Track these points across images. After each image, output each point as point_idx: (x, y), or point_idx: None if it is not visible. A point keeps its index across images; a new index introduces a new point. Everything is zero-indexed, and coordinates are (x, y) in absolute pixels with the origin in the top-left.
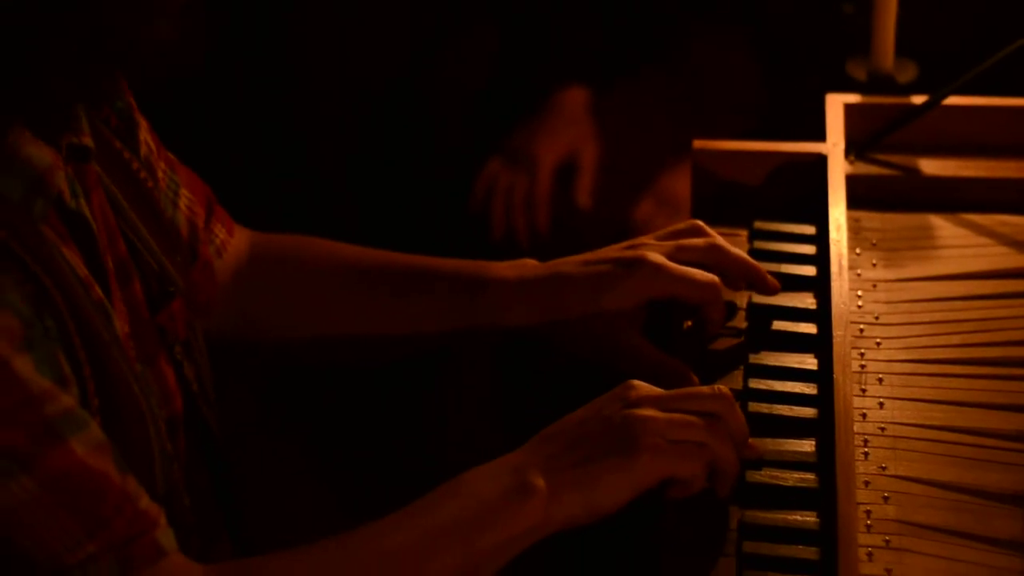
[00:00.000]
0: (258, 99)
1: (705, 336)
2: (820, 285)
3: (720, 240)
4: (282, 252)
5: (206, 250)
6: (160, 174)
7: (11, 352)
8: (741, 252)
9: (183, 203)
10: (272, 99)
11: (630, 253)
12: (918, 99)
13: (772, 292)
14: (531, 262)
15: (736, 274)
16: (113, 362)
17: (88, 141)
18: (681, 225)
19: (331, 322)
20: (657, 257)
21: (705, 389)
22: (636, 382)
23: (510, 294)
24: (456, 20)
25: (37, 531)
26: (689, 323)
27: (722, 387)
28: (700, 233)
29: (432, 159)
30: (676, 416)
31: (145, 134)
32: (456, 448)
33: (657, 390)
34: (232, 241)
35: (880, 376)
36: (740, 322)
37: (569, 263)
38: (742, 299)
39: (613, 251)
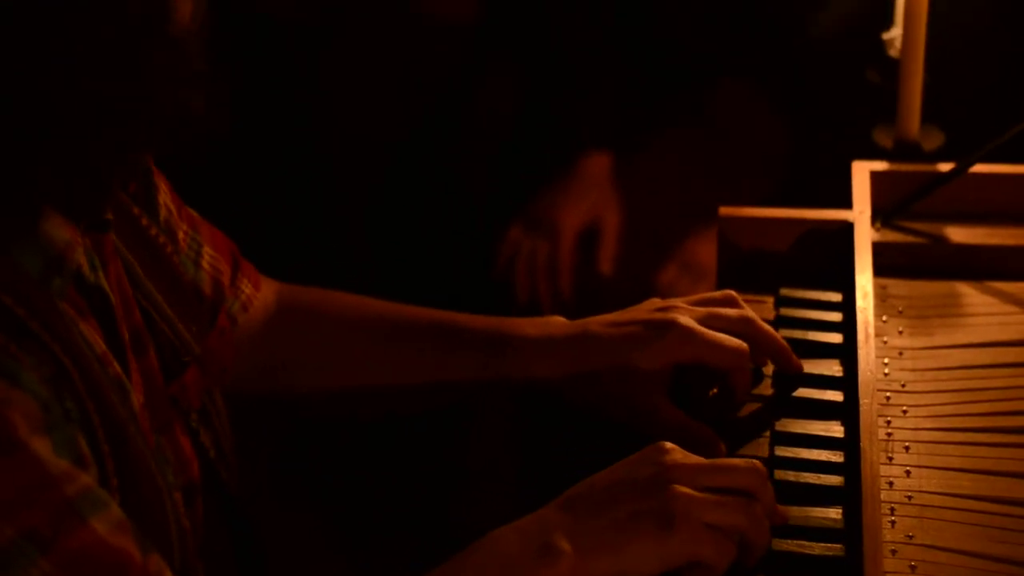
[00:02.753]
0: (278, 153)
1: (732, 403)
2: (846, 352)
3: (752, 313)
4: (308, 304)
5: (223, 318)
6: (181, 235)
7: (29, 435)
8: (771, 329)
9: (206, 262)
10: (293, 154)
11: (660, 316)
12: (944, 166)
13: (796, 371)
14: (559, 319)
15: (764, 350)
16: (131, 439)
17: (108, 212)
18: (716, 294)
19: (354, 375)
20: (688, 321)
21: (741, 463)
22: (668, 444)
23: (535, 351)
24: (479, 79)
25: None
26: (715, 390)
27: (756, 462)
28: (733, 304)
29: (455, 217)
30: (714, 498)
31: (164, 197)
32: (477, 509)
33: (692, 456)
34: (259, 295)
35: (907, 444)
36: (766, 389)
37: (597, 322)
38: (768, 366)
39: (643, 312)
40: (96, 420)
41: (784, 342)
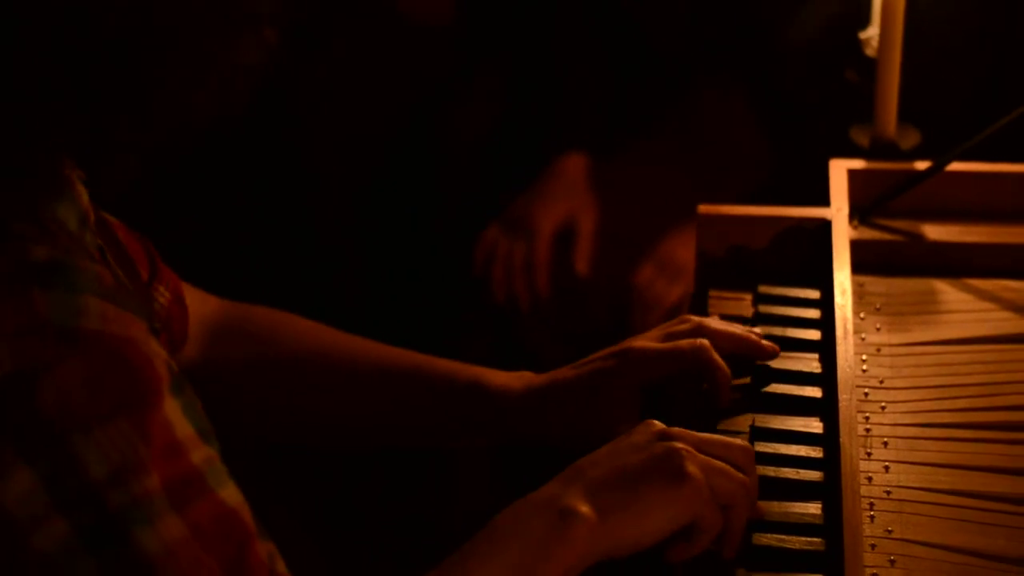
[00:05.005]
0: (260, 152)
1: (717, 405)
2: (825, 349)
3: (710, 320)
4: (256, 327)
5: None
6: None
7: (168, 393)
8: (729, 325)
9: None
10: (274, 154)
11: (617, 347)
12: (921, 165)
13: (771, 356)
14: (528, 374)
15: (727, 347)
16: None
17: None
18: (672, 321)
19: (306, 409)
20: (642, 342)
21: (735, 441)
22: (655, 420)
23: (511, 403)
24: (461, 81)
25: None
26: (704, 387)
27: (748, 444)
28: (685, 322)
29: (434, 219)
30: (716, 461)
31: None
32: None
33: (684, 430)
34: (189, 310)
35: (885, 440)
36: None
37: (564, 370)
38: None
39: (603, 352)
40: None
41: (746, 332)
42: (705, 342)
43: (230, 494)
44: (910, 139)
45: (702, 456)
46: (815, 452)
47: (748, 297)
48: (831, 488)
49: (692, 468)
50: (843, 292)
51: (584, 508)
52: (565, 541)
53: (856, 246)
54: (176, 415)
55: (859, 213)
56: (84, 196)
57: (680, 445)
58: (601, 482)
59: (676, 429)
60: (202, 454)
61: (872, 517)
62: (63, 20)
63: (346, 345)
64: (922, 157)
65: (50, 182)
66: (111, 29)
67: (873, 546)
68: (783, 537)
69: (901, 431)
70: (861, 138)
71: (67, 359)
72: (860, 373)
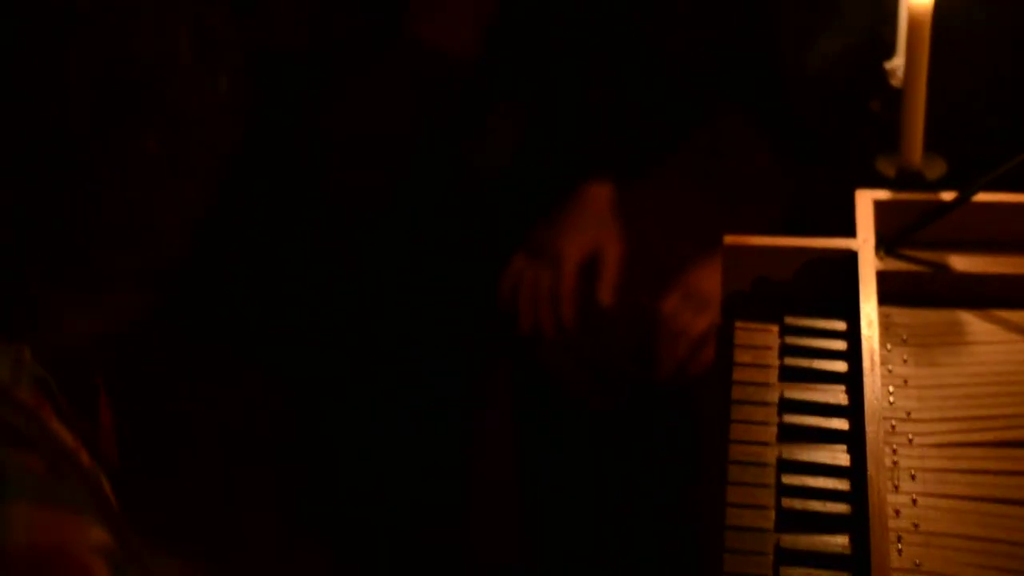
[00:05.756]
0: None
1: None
2: (852, 381)
3: None
4: None
5: None
6: None
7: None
8: None
9: None
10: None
11: None
12: (947, 195)
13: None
14: None
15: None
16: None
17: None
18: None
19: None
20: None
21: None
22: None
23: None
24: (484, 110)
25: None
26: None
27: None
28: None
29: (459, 248)
30: None
31: None
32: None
33: None
34: None
35: (913, 472)
36: (772, 416)
37: None
38: (774, 394)
39: None
40: None
41: None
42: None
43: None
44: (936, 169)
45: None
46: (842, 485)
47: (775, 328)
48: (859, 521)
49: None
50: (870, 323)
51: None
52: None
53: (882, 277)
54: None
55: (885, 244)
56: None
57: None
58: None
59: None
60: None
61: (900, 551)
62: None
63: None
64: (948, 187)
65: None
66: None
67: None
68: (811, 571)
69: (929, 463)
70: (887, 168)
71: None
72: (887, 405)
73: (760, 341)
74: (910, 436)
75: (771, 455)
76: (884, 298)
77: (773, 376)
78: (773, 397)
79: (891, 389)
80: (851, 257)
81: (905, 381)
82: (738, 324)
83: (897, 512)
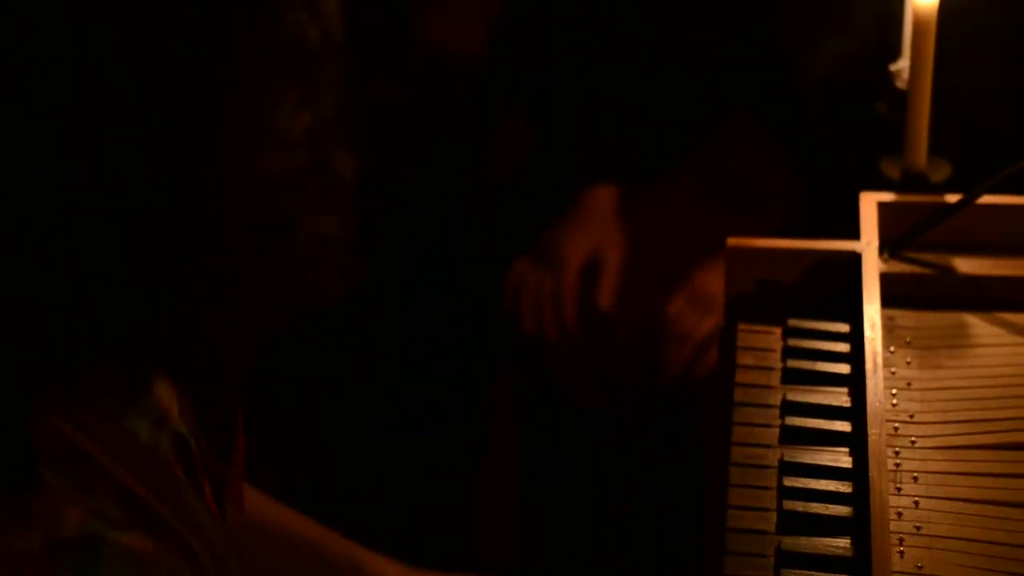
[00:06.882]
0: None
1: None
2: (854, 383)
3: None
4: None
5: None
6: None
7: None
8: None
9: None
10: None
11: None
12: (952, 198)
13: None
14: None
15: None
16: None
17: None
18: None
19: None
20: None
21: None
22: None
23: None
24: (489, 113)
25: None
26: None
27: None
28: None
29: (462, 252)
30: None
31: None
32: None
33: None
34: None
35: (915, 474)
36: (774, 419)
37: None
38: (777, 396)
39: None
40: None
41: None
42: None
43: None
44: (941, 172)
45: None
46: (844, 487)
47: (777, 331)
48: (860, 523)
49: None
50: (873, 326)
51: None
52: None
53: (886, 279)
54: None
55: (889, 246)
56: (162, 389)
57: None
58: None
59: None
60: None
61: (902, 553)
62: None
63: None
64: (953, 190)
65: (125, 390)
66: None
67: None
68: (812, 574)
69: (932, 466)
70: (891, 170)
71: None
72: (890, 407)
73: (763, 343)
74: (913, 438)
75: (773, 457)
76: (887, 300)
77: (776, 378)
78: (775, 399)
79: (894, 391)
80: (855, 259)
81: (908, 383)
82: (741, 326)
83: (899, 514)
